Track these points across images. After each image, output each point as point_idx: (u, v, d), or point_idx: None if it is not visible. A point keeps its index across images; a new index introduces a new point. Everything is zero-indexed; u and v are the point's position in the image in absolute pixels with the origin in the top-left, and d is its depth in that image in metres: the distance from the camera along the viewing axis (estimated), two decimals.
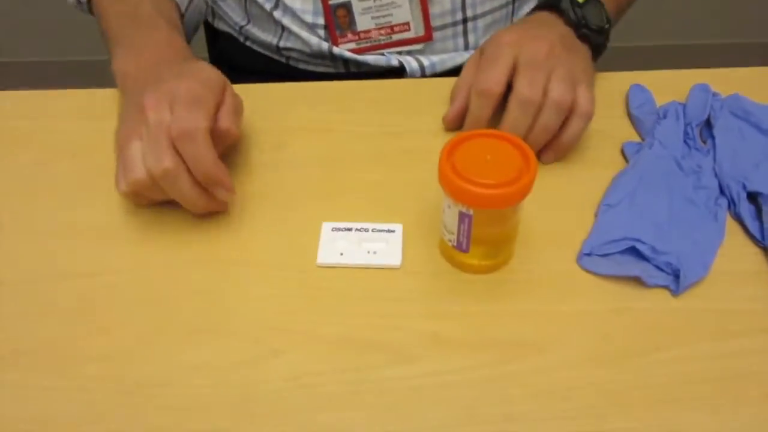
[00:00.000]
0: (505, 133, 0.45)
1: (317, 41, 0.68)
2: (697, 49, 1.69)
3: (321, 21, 0.67)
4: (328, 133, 0.59)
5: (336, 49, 0.69)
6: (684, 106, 0.58)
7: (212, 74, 0.50)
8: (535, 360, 0.43)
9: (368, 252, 0.49)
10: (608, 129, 0.59)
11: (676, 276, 0.47)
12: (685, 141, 0.56)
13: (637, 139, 0.58)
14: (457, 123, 0.57)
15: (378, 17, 0.67)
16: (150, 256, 0.50)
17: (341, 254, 0.49)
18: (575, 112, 0.53)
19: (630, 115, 0.60)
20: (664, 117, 0.58)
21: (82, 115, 0.61)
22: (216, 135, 0.48)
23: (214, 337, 0.45)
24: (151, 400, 0.42)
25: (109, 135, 0.53)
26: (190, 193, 0.47)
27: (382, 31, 0.67)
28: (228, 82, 0.52)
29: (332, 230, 0.51)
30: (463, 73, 0.58)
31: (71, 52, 1.67)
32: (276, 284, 0.48)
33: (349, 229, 0.51)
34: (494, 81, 0.53)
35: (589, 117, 0.54)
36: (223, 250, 0.50)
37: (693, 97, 0.59)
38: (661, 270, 0.48)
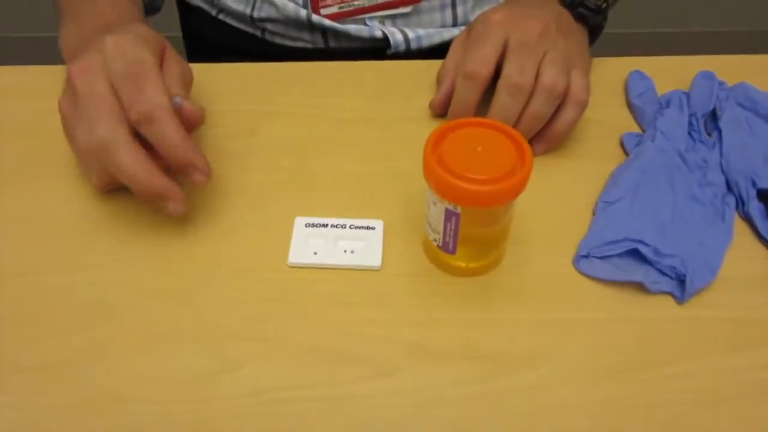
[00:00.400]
0: (497, 123, 0.40)
1: (294, 7, 0.63)
2: (701, 36, 1.64)
3: None
4: (303, 118, 0.54)
5: (315, 17, 0.63)
6: (688, 95, 0.54)
7: (148, 32, 0.44)
8: (527, 375, 0.39)
9: (345, 251, 0.45)
10: (606, 119, 0.54)
11: (681, 281, 0.43)
12: (689, 133, 0.52)
13: (637, 130, 0.54)
14: (444, 108, 0.53)
15: None
16: (102, 253, 0.45)
17: (315, 253, 0.44)
18: (568, 100, 0.49)
19: (630, 105, 0.56)
20: (667, 107, 0.54)
21: (23, 95, 0.55)
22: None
23: (170, 346, 0.40)
24: (95, 419, 0.37)
25: (55, 116, 0.48)
26: (134, 169, 0.40)
27: None
28: (168, 44, 0.46)
29: (306, 226, 0.46)
30: (450, 54, 0.54)
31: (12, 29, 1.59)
32: (241, 286, 0.43)
33: (325, 225, 0.46)
34: (482, 62, 0.48)
35: (583, 105, 0.50)
36: (182, 248, 0.45)
37: (697, 86, 0.55)
38: (665, 274, 0.44)
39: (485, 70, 0.48)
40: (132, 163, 0.40)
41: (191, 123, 0.43)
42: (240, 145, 0.52)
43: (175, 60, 0.46)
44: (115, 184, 0.44)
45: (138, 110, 0.40)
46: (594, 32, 0.56)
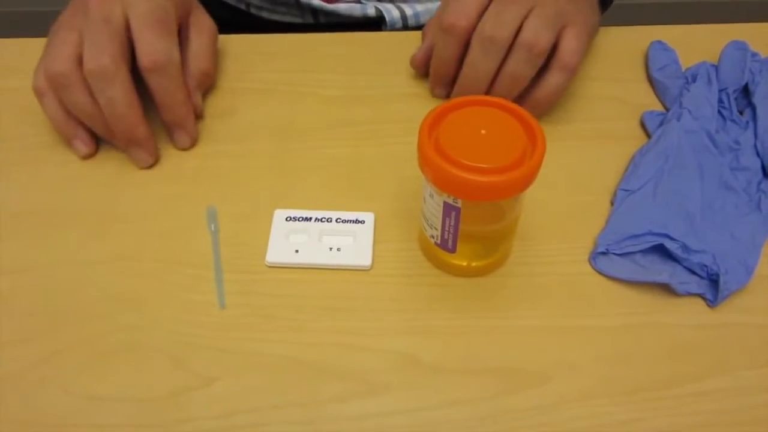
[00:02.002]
0: (505, 101, 0.34)
1: None
2: (731, 6, 1.53)
3: None
4: (286, 96, 0.49)
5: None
6: (717, 68, 0.48)
7: None
8: (537, 393, 0.34)
9: (330, 249, 0.39)
10: (625, 96, 0.49)
11: (713, 281, 0.38)
12: (719, 111, 0.46)
13: (659, 108, 0.48)
14: (425, 65, 0.48)
15: None
16: (54, 251, 0.39)
17: (296, 251, 0.39)
18: (553, 62, 0.43)
19: (651, 79, 0.50)
20: (693, 81, 0.48)
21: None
22: (189, 74, 0.45)
23: (129, 360, 0.35)
24: None
25: (8, 95, 0.43)
26: (124, 107, 0.40)
27: None
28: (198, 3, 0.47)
29: (286, 220, 0.41)
30: (438, 8, 0.48)
31: None
32: (211, 289, 0.38)
33: (308, 219, 0.41)
34: (461, 14, 0.43)
35: (570, 70, 0.43)
36: (146, 244, 0.40)
37: (727, 58, 0.49)
38: (694, 274, 0.38)
39: (464, 21, 0.43)
40: (125, 100, 0.40)
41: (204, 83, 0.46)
42: (214, 127, 0.46)
43: (203, 16, 0.47)
44: (71, 125, 0.43)
45: (153, 58, 0.40)
46: None
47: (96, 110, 0.41)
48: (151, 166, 0.44)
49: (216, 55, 0.48)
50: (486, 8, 0.43)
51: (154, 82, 0.41)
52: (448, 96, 0.47)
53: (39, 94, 0.42)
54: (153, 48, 0.40)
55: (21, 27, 1.50)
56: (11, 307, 0.37)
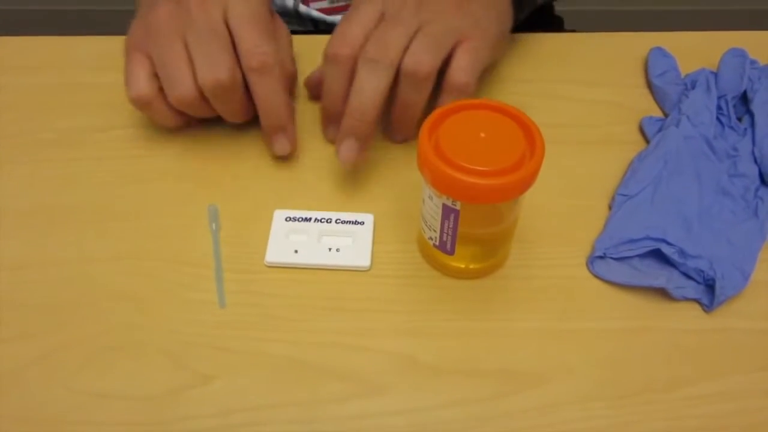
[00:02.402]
0: (504, 105, 0.35)
1: None
2: (730, 14, 1.53)
3: None
4: None
5: (302, 8, 0.58)
6: (716, 75, 0.49)
7: None
8: (535, 394, 0.34)
9: (330, 249, 0.40)
10: (624, 101, 0.49)
11: (709, 287, 0.38)
12: (717, 118, 0.46)
13: (658, 113, 0.49)
14: (318, 87, 0.46)
15: None
16: (55, 248, 0.40)
17: (296, 251, 0.39)
18: (444, 84, 0.41)
19: (650, 85, 0.50)
20: (692, 88, 0.48)
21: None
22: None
23: (129, 357, 0.35)
24: None
25: (14, 93, 0.43)
26: (240, 117, 0.43)
27: None
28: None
29: (286, 220, 0.41)
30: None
31: None
32: (211, 288, 0.38)
33: (307, 220, 0.41)
34: (345, 42, 0.40)
35: (459, 90, 0.40)
36: (147, 243, 0.40)
37: (726, 65, 0.49)
38: (691, 278, 0.39)
39: (348, 50, 0.40)
40: (242, 112, 0.42)
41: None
42: (211, 127, 0.46)
43: (281, 23, 0.46)
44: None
45: (261, 59, 0.39)
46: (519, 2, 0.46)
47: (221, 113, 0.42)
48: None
49: (294, 58, 0.47)
50: (373, 28, 0.41)
51: (258, 83, 0.40)
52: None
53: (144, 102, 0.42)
54: (260, 49, 0.39)
55: (24, 25, 1.51)
56: (12, 303, 0.37)
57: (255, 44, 0.39)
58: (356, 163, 0.41)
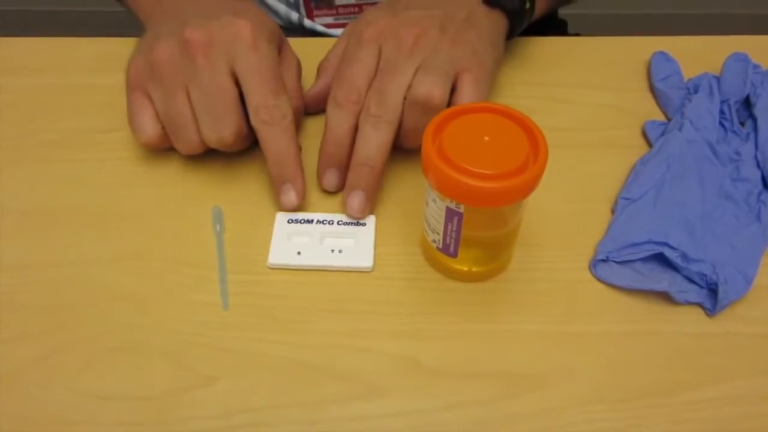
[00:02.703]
0: (508, 108, 0.35)
1: (285, 10, 0.59)
2: (732, 18, 1.53)
3: None
4: None
5: (307, 22, 0.59)
6: (718, 79, 0.49)
7: (266, 19, 0.43)
8: (537, 397, 0.34)
9: (332, 251, 0.40)
10: (627, 105, 0.49)
11: (712, 291, 0.38)
12: (720, 122, 0.46)
13: (661, 117, 0.49)
14: (316, 104, 0.46)
15: None
16: (57, 250, 0.40)
17: (299, 253, 0.39)
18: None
19: (653, 89, 0.50)
20: (695, 92, 0.48)
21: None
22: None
23: (131, 358, 0.35)
24: None
25: (17, 94, 0.43)
26: (246, 146, 0.42)
27: (364, 8, 0.57)
28: (282, 32, 0.45)
29: (288, 222, 0.41)
30: (336, 45, 0.46)
31: None
32: (214, 289, 0.38)
33: (310, 221, 0.41)
34: (352, 89, 0.40)
35: None
36: (149, 244, 0.40)
37: (729, 69, 0.49)
38: (693, 282, 0.39)
39: (355, 96, 0.40)
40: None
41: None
42: None
43: (290, 51, 0.45)
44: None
45: (271, 114, 0.39)
46: (515, 19, 0.46)
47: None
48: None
49: (301, 87, 0.46)
50: (374, 71, 0.41)
51: (267, 135, 0.39)
52: (338, 188, 0.42)
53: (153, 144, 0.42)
54: (270, 103, 0.39)
55: (26, 26, 1.51)
56: (13, 304, 0.37)
57: (264, 99, 0.39)
58: (366, 214, 0.41)
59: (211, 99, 0.39)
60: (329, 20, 0.59)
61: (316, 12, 0.59)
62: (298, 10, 0.59)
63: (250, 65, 0.39)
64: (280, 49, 0.44)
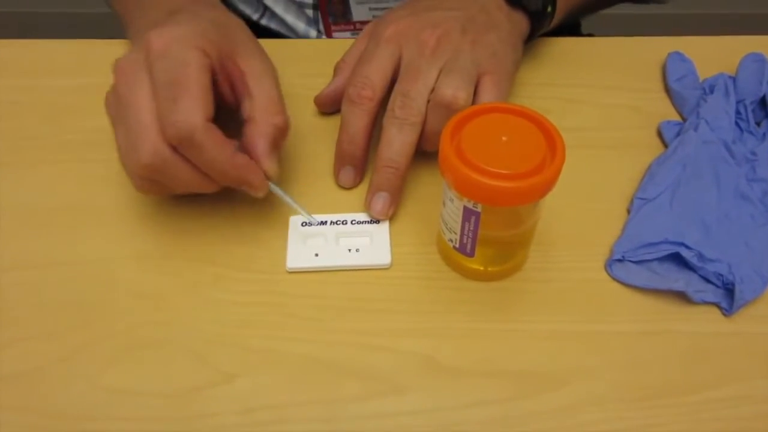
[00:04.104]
0: (526, 108, 0.35)
1: (304, 28, 0.60)
2: (748, 18, 1.52)
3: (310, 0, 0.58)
4: (297, 99, 0.49)
5: (324, 38, 0.59)
6: (734, 79, 0.49)
7: (214, 21, 0.38)
8: (553, 396, 0.35)
9: (349, 250, 0.40)
10: (642, 105, 0.49)
11: (728, 290, 0.38)
12: (736, 122, 0.46)
13: (676, 118, 0.49)
14: (329, 104, 0.47)
15: (376, 9, 0.58)
16: (80, 248, 0.40)
17: (316, 255, 0.40)
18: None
19: (669, 90, 0.50)
20: (711, 92, 0.48)
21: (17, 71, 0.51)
22: (260, 134, 0.37)
23: (153, 355, 0.36)
24: None
25: (41, 94, 0.44)
26: (194, 181, 0.37)
27: None
28: (245, 33, 0.40)
29: (302, 225, 0.41)
30: (354, 48, 0.46)
31: None
32: (233, 288, 0.39)
33: (323, 223, 0.41)
34: (366, 84, 0.40)
35: None
36: (169, 243, 0.41)
37: (745, 69, 0.49)
38: (710, 282, 0.39)
39: (369, 92, 0.40)
40: (188, 179, 0.36)
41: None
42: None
43: (255, 52, 0.39)
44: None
45: (171, 133, 0.34)
46: (536, 21, 0.47)
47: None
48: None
49: (283, 101, 0.39)
50: (393, 72, 0.41)
51: (188, 155, 0.35)
52: (353, 185, 0.43)
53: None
54: (168, 120, 0.34)
55: (47, 28, 1.53)
56: (38, 302, 0.38)
57: (162, 116, 0.34)
58: (389, 215, 0.41)
59: (127, 121, 0.36)
60: (347, 35, 0.60)
61: (334, 28, 0.59)
62: (317, 26, 0.60)
63: (157, 76, 0.35)
64: (232, 54, 0.38)
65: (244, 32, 0.41)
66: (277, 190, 0.39)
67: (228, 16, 0.41)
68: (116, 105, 0.37)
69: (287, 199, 0.39)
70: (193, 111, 0.34)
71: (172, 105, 0.34)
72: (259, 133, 0.37)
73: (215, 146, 0.35)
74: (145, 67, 0.36)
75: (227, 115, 0.38)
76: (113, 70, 0.37)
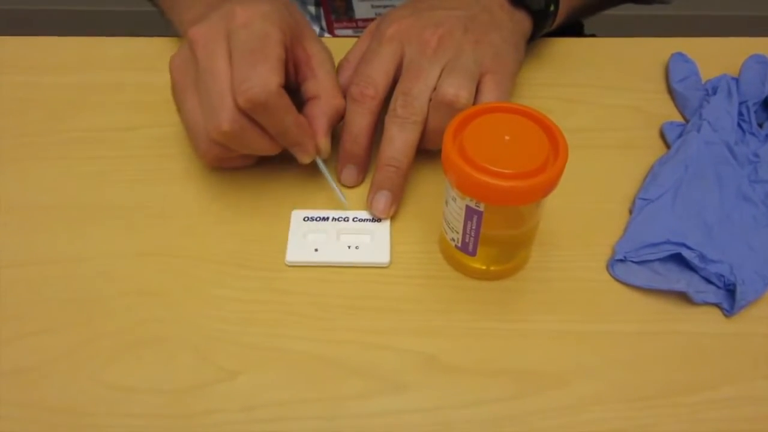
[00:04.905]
0: (529, 108, 0.35)
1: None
2: (752, 21, 1.52)
3: None
4: None
5: (327, 36, 0.60)
6: (737, 80, 0.49)
7: (283, 5, 0.40)
8: (555, 395, 0.35)
9: (349, 247, 0.40)
10: (645, 106, 0.49)
11: (730, 291, 0.38)
12: (738, 123, 0.46)
13: (679, 118, 0.49)
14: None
15: (378, 6, 0.58)
16: (83, 245, 0.41)
17: (316, 250, 0.40)
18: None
19: (671, 91, 0.50)
20: (713, 93, 0.48)
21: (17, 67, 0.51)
22: (321, 113, 0.40)
23: (155, 352, 0.36)
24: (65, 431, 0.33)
25: (46, 92, 0.44)
26: (264, 145, 0.39)
27: None
28: (306, 21, 0.42)
29: (304, 220, 0.41)
30: (356, 47, 0.46)
31: None
32: (235, 284, 0.39)
33: (325, 219, 0.41)
34: (370, 83, 0.41)
35: None
36: (171, 240, 0.41)
37: (748, 71, 0.49)
38: (711, 283, 0.39)
39: (372, 91, 0.40)
40: (258, 143, 0.38)
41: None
42: None
43: (316, 44, 0.42)
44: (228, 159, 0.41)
45: (246, 97, 0.36)
46: (539, 20, 0.47)
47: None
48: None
49: (332, 71, 0.42)
50: (395, 71, 0.41)
51: (258, 118, 0.37)
52: (357, 183, 0.44)
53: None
54: (245, 86, 0.35)
55: (52, 25, 1.53)
56: (41, 297, 0.38)
57: (238, 80, 0.36)
58: (391, 214, 0.41)
59: (206, 87, 0.37)
60: (349, 32, 0.60)
61: (336, 25, 0.59)
62: (319, 23, 0.60)
63: (235, 46, 0.37)
64: (301, 38, 0.41)
65: (304, 18, 0.43)
66: (321, 165, 0.41)
67: (289, 2, 0.42)
68: (189, 70, 0.38)
69: (327, 175, 0.41)
70: (270, 77, 0.36)
71: (251, 70, 0.36)
72: (321, 112, 0.40)
73: (286, 110, 0.37)
74: (225, 36, 0.37)
75: None
76: (190, 38, 0.38)
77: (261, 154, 0.40)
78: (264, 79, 0.36)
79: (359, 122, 0.41)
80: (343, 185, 0.44)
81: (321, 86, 0.40)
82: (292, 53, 0.40)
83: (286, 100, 0.37)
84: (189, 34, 0.38)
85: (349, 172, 0.43)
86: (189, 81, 0.39)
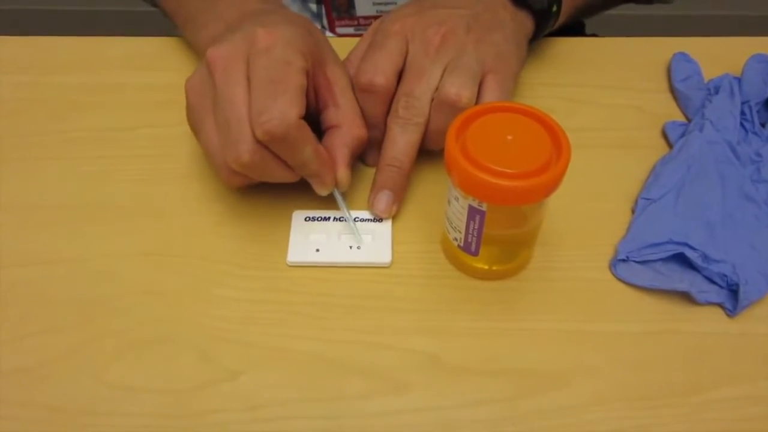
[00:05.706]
0: (531, 108, 0.35)
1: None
2: (754, 20, 1.52)
3: None
4: None
5: (328, 34, 0.60)
6: (739, 80, 0.49)
7: (305, 28, 0.39)
8: (557, 395, 0.35)
9: (350, 247, 0.40)
10: (647, 106, 0.49)
11: (733, 291, 0.38)
12: (741, 123, 0.46)
13: (681, 118, 0.49)
14: None
15: (380, 4, 0.58)
16: (85, 245, 0.41)
17: (317, 250, 0.40)
18: None
19: (674, 90, 0.50)
20: (716, 93, 0.48)
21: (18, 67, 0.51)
22: (342, 144, 0.40)
23: (157, 352, 0.36)
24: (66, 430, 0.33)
25: (48, 91, 0.44)
26: (282, 175, 0.38)
27: None
28: (328, 43, 0.42)
29: (305, 220, 0.41)
30: (358, 46, 0.46)
31: None
32: (237, 284, 0.39)
33: (326, 219, 0.41)
34: (377, 71, 0.40)
35: None
36: (173, 240, 0.41)
37: (750, 70, 0.49)
38: (714, 283, 0.39)
39: (381, 78, 0.40)
40: (277, 173, 0.37)
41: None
42: None
43: (337, 65, 0.41)
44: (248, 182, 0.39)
45: (264, 129, 0.34)
46: (541, 20, 0.46)
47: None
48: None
49: (351, 95, 0.41)
50: (400, 64, 0.41)
51: (276, 150, 0.36)
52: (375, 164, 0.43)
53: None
54: (263, 117, 0.34)
55: (55, 25, 1.53)
56: (43, 297, 0.38)
57: (256, 112, 0.35)
58: (392, 214, 0.41)
59: (225, 115, 0.36)
60: (350, 30, 0.60)
61: (337, 23, 0.59)
62: (321, 21, 0.60)
63: (254, 74, 0.36)
64: (323, 63, 0.40)
65: (326, 40, 0.42)
66: (339, 198, 0.40)
67: (311, 23, 0.41)
68: (207, 93, 0.37)
69: (345, 209, 0.40)
70: (289, 109, 0.35)
71: (270, 101, 0.35)
72: (343, 142, 0.39)
73: (305, 142, 0.36)
74: (245, 60, 0.36)
75: None
76: (209, 60, 0.37)
77: (281, 182, 0.39)
78: (283, 111, 0.34)
79: (374, 109, 0.41)
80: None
81: (343, 115, 0.40)
82: (313, 79, 0.39)
83: (304, 132, 0.36)
84: (208, 55, 0.37)
85: (373, 154, 0.43)
86: (206, 104, 0.37)
